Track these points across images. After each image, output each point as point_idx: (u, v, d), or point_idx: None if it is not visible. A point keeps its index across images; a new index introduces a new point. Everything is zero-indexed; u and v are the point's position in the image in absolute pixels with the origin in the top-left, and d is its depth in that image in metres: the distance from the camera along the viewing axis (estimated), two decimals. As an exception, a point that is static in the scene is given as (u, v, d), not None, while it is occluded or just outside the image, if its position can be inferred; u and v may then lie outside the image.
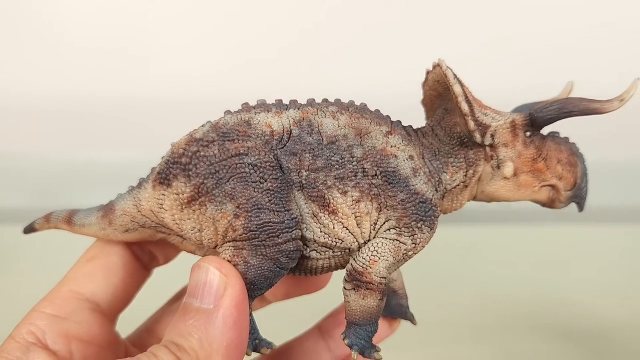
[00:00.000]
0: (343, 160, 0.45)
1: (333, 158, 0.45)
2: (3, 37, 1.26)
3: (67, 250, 1.03)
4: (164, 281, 0.60)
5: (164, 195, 0.47)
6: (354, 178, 0.45)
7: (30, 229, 0.56)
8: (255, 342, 0.47)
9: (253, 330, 0.47)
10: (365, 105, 0.49)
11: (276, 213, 0.44)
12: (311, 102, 0.48)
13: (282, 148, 0.46)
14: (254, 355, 0.48)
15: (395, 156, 0.46)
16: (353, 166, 0.45)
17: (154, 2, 1.27)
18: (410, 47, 1.24)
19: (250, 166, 0.45)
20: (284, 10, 1.28)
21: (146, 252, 0.55)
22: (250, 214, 0.44)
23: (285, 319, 0.63)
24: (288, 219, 0.44)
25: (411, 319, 0.57)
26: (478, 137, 0.46)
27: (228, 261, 0.45)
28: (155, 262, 0.56)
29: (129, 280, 0.52)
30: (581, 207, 0.51)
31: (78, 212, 0.53)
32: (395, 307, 0.57)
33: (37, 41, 1.27)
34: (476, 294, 0.99)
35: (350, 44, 1.29)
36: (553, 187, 0.50)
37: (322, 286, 0.57)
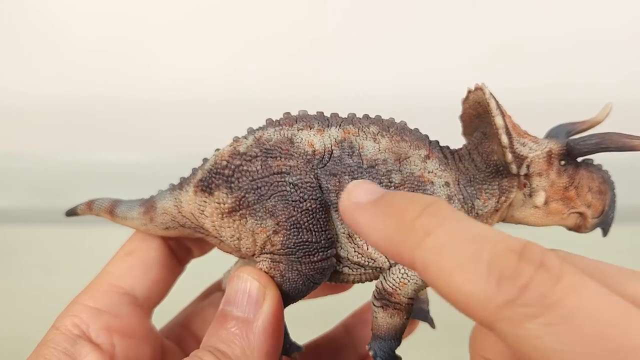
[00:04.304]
0: (381, 185, 0.47)
1: None
2: (4, 37, 1.25)
3: (67, 250, 1.06)
4: (187, 276, 0.62)
5: (205, 202, 0.49)
6: None
7: (71, 213, 0.58)
8: (287, 346, 0.50)
9: (285, 335, 0.50)
10: (405, 124, 0.50)
11: (313, 232, 0.46)
12: (352, 119, 0.49)
13: (323, 167, 0.47)
14: None
15: (432, 182, 0.47)
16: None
17: (158, 4, 1.25)
18: (421, 50, 1.24)
19: (291, 185, 0.46)
20: (289, 10, 1.26)
21: (182, 247, 0.57)
22: (288, 232, 0.46)
23: (303, 315, 0.65)
24: (324, 239, 0.46)
25: (430, 322, 0.60)
26: (514, 168, 0.47)
27: (265, 272, 0.47)
28: (190, 256, 0.58)
29: (166, 274, 0.55)
30: (605, 233, 0.53)
31: (120, 203, 0.55)
32: (416, 311, 0.59)
33: (38, 41, 1.26)
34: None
35: (362, 47, 1.28)
36: (581, 214, 0.51)
37: (348, 287, 0.59)
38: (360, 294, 0.59)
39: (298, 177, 0.46)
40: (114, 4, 1.25)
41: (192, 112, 1.25)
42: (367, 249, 0.47)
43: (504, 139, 0.46)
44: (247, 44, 1.27)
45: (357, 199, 0.37)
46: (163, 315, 0.59)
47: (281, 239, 0.46)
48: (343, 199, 0.38)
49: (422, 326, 0.60)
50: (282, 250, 0.46)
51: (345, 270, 0.49)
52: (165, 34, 1.27)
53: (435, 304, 0.61)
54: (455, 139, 0.53)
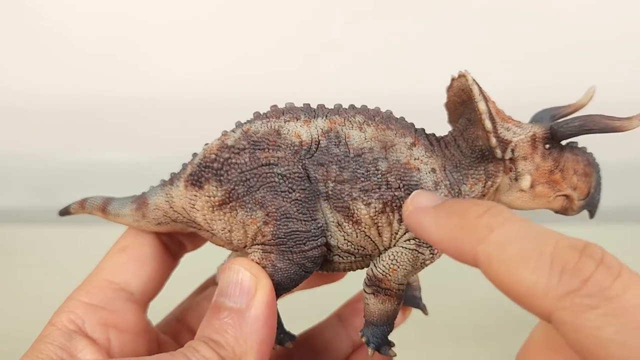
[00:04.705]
0: (368, 173, 0.47)
1: (359, 170, 0.47)
2: (3, 38, 1.26)
3: (66, 250, 1.06)
4: (182, 271, 0.62)
5: (195, 195, 0.50)
6: (377, 190, 0.47)
7: (65, 212, 0.59)
8: (280, 336, 0.51)
9: (278, 325, 0.51)
10: (391, 113, 0.50)
11: (303, 222, 0.47)
12: (338, 109, 0.50)
13: (310, 157, 0.48)
14: None
15: (418, 169, 0.48)
16: (378, 179, 0.47)
17: (157, 6, 1.26)
18: (418, 53, 1.26)
19: (280, 176, 0.47)
20: (287, 13, 1.27)
21: (175, 241, 0.58)
22: (278, 222, 0.47)
23: (297, 305, 0.65)
24: (314, 228, 0.47)
25: (423, 309, 0.60)
26: (499, 152, 0.48)
27: (257, 263, 0.48)
28: (183, 250, 0.59)
29: (160, 269, 0.55)
30: (592, 215, 0.53)
31: (112, 201, 0.56)
32: (408, 298, 0.60)
33: (38, 42, 1.27)
34: (479, 293, 0.99)
35: (361, 51, 1.29)
36: (567, 196, 0.51)
37: (341, 277, 0.60)
38: (352, 284, 0.60)
39: (286, 167, 0.47)
40: (113, 5, 1.26)
41: (192, 112, 1.26)
42: (357, 236, 0.48)
43: (488, 124, 0.47)
44: (245, 46, 1.28)
45: (421, 204, 0.41)
46: (159, 311, 0.60)
47: (271, 229, 0.47)
48: (407, 204, 0.42)
49: (421, 325, 0.61)
50: (272, 241, 0.47)
51: (336, 258, 0.49)
52: (164, 36, 1.27)
53: (430, 295, 0.62)
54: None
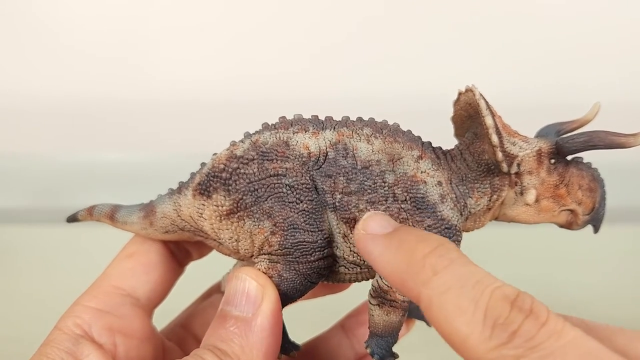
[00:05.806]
0: (375, 185, 0.48)
1: (366, 183, 0.48)
2: (4, 39, 1.27)
3: (67, 250, 1.06)
4: (186, 278, 0.62)
5: (203, 205, 0.50)
6: (384, 202, 0.48)
7: (72, 219, 0.59)
8: (285, 345, 0.51)
9: (283, 334, 0.51)
10: (398, 126, 0.51)
11: (310, 233, 0.47)
12: (346, 121, 0.50)
13: (318, 169, 0.48)
14: None
15: (425, 182, 0.48)
16: (384, 191, 0.48)
17: (158, 7, 1.27)
18: (418, 56, 1.28)
19: (288, 187, 0.47)
20: (287, 15, 1.28)
21: (182, 249, 0.58)
22: (286, 233, 0.47)
23: (302, 315, 0.66)
24: (321, 239, 0.47)
25: (427, 320, 0.61)
26: (505, 166, 0.48)
27: (263, 272, 0.48)
28: (189, 258, 0.59)
29: (166, 276, 0.56)
30: (596, 229, 0.54)
31: (120, 208, 0.56)
32: (413, 310, 0.60)
33: (39, 44, 1.28)
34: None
35: (361, 53, 1.30)
36: (572, 211, 0.52)
37: (345, 287, 0.60)
38: (356, 295, 0.60)
39: (294, 178, 0.47)
40: (114, 6, 1.26)
41: (191, 113, 1.27)
42: None
43: (494, 138, 0.47)
44: (247, 47, 1.29)
45: (371, 230, 0.42)
46: (164, 317, 0.60)
47: (278, 239, 0.47)
48: (358, 228, 0.43)
49: (422, 327, 0.61)
50: (279, 251, 0.48)
51: (342, 269, 0.50)
52: (164, 37, 1.28)
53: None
54: (452, 142, 0.54)
